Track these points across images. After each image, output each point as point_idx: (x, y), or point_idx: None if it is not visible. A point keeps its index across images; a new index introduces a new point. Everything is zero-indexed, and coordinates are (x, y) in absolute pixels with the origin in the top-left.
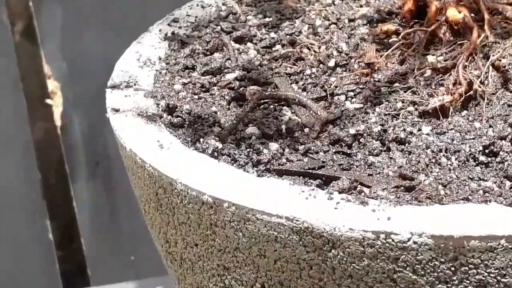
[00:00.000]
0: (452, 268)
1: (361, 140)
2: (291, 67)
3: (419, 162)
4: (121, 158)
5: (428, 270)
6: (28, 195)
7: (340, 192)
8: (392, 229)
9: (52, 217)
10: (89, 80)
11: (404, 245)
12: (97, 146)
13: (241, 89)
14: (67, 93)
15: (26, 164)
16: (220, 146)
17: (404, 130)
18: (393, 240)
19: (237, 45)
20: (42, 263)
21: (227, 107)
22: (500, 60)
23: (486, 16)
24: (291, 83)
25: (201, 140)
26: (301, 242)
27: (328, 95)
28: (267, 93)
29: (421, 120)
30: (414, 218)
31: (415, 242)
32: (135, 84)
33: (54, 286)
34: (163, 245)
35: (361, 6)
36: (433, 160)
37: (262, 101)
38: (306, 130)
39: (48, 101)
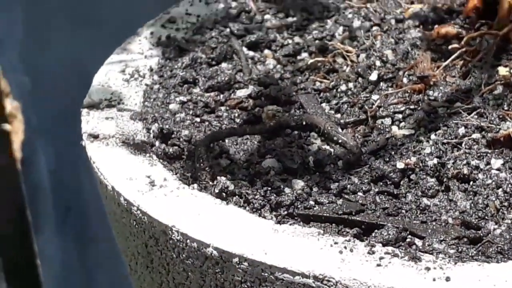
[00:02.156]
0: None
1: (412, 176)
2: (321, 82)
3: (487, 206)
4: (99, 202)
5: None
6: None
7: (384, 245)
8: None
9: (9, 280)
10: (58, 99)
11: None
12: (68, 186)
13: (256, 109)
14: (29, 115)
15: None
16: (230, 185)
17: (468, 164)
18: None
19: (251, 53)
20: None
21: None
22: None
23: None
24: (321, 102)
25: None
26: None
27: (369, 118)
28: (283, 119)
29: (489, 151)
30: (481, 279)
31: None
32: (119, 103)
33: None
34: None
35: (412, 2)
36: (506, 204)
37: (281, 127)
38: (341, 163)
39: (5, 126)
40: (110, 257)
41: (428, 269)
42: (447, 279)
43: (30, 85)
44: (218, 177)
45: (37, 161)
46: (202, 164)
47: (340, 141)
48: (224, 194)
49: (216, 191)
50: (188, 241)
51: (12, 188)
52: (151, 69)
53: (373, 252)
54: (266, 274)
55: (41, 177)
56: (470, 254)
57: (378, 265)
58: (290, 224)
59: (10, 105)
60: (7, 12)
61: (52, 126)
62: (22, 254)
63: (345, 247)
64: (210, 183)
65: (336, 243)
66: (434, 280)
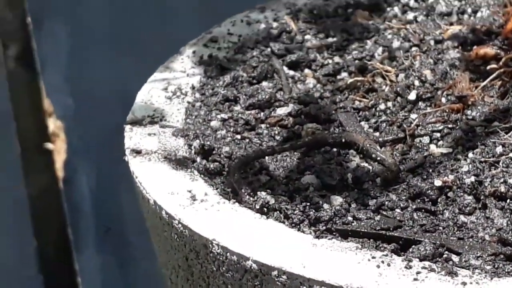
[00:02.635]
0: None
1: (449, 194)
2: (360, 101)
3: None
4: (139, 222)
5: None
6: (19, 268)
7: (421, 260)
8: None
9: None
10: (101, 119)
11: None
12: (109, 206)
13: (296, 127)
14: (72, 135)
15: (18, 229)
16: (271, 200)
17: (505, 182)
18: None
19: (291, 72)
20: None
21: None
22: None
23: None
24: (360, 121)
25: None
26: None
27: (408, 137)
28: (320, 136)
29: None
30: None
31: None
32: (161, 120)
33: None
34: None
35: (451, 24)
36: None
37: (318, 144)
38: (379, 180)
39: (48, 145)
40: (149, 276)
41: (464, 284)
42: None
43: (73, 106)
44: (259, 193)
45: (78, 180)
46: (239, 188)
47: (378, 158)
48: (265, 209)
49: (257, 207)
50: (228, 254)
51: (54, 207)
52: (193, 87)
53: (410, 267)
54: (304, 287)
55: (82, 196)
56: (506, 270)
57: (415, 279)
58: (329, 239)
59: (53, 124)
60: (52, 36)
61: (94, 146)
62: (63, 272)
63: (383, 262)
64: (251, 199)
65: (373, 257)
66: None
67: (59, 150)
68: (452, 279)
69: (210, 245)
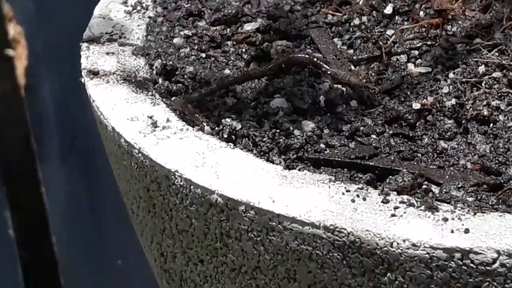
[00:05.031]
0: None
1: (429, 118)
2: (333, 15)
3: (508, 150)
4: None
5: None
6: None
7: (399, 193)
8: (472, 246)
9: (13, 209)
10: (63, 24)
11: (488, 268)
12: (74, 114)
13: (264, 44)
14: (34, 41)
15: None
16: (237, 125)
17: (488, 104)
18: (472, 262)
19: None
20: (0, 267)
21: (246, 69)
22: None
23: None
24: (332, 37)
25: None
26: (345, 262)
27: (384, 55)
28: (292, 56)
29: (511, 90)
30: (501, 230)
31: (503, 265)
32: (120, 37)
33: None
34: (156, 259)
35: None
36: None
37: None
38: (354, 103)
39: (9, 51)
40: (116, 190)
41: (445, 219)
42: (466, 230)
43: (34, 10)
44: (223, 120)
45: (41, 88)
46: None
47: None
48: (232, 136)
49: (224, 134)
50: (191, 187)
51: (17, 115)
52: (154, 1)
53: (388, 201)
54: (274, 223)
55: (45, 104)
56: (490, 203)
57: (393, 215)
58: (300, 169)
59: (14, 30)
60: None
61: (56, 52)
62: (26, 183)
63: (358, 196)
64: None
65: (348, 191)
66: (452, 232)
67: (20, 56)
68: (433, 215)
69: (173, 176)
